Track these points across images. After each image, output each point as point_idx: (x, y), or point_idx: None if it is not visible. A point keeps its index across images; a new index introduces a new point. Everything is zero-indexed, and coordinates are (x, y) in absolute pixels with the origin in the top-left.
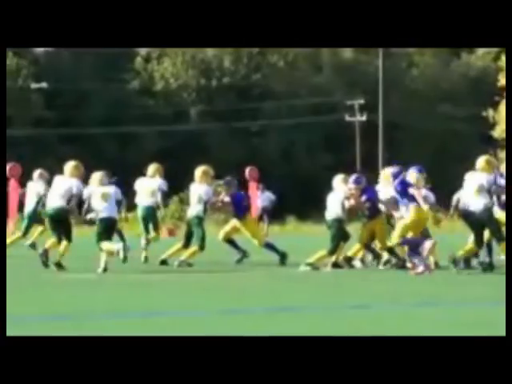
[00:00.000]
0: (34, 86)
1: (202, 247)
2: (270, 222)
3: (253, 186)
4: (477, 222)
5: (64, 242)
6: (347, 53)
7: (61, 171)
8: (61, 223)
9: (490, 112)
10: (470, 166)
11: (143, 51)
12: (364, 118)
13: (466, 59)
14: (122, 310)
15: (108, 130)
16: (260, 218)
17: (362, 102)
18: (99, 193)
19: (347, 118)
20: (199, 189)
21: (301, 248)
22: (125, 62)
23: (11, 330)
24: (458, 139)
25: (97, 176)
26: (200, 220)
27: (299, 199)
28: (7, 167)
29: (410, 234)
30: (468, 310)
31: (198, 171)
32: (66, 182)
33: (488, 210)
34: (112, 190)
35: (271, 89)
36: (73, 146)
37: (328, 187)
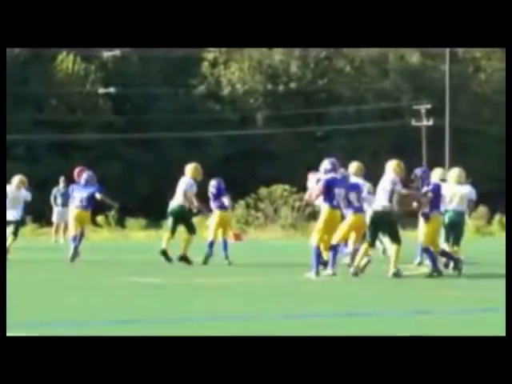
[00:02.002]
0: (101, 90)
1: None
2: None
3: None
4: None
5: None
6: (414, 57)
7: (127, 175)
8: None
9: None
10: None
11: (210, 56)
12: (430, 122)
13: None
14: (185, 313)
15: (174, 134)
16: None
17: (428, 106)
18: None
19: (413, 122)
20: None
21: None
22: (192, 67)
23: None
24: None
25: None
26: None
27: None
28: (75, 170)
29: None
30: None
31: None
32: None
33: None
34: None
35: (337, 94)
36: (140, 151)
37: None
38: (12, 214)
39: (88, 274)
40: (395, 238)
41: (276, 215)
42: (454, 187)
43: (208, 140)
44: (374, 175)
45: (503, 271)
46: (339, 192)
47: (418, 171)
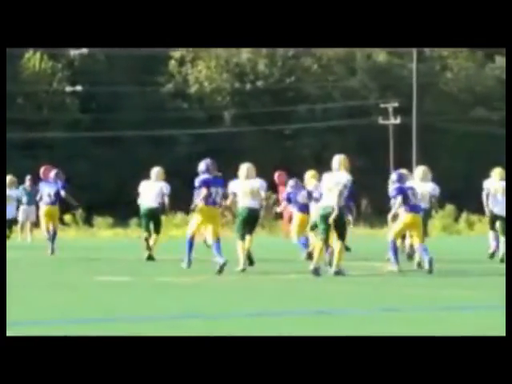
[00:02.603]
0: (68, 89)
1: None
2: None
3: (282, 190)
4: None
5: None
6: (381, 56)
7: (94, 174)
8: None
9: None
10: (505, 170)
11: (177, 54)
12: (398, 121)
13: (501, 62)
14: (152, 312)
15: (142, 133)
16: (289, 220)
17: (395, 105)
18: None
19: (381, 121)
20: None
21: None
22: (159, 65)
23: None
24: (492, 142)
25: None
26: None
27: None
28: (42, 169)
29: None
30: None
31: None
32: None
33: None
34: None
35: (305, 92)
36: (107, 149)
37: (361, 190)
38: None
39: (55, 272)
40: (342, 236)
41: None
42: (417, 186)
43: (175, 138)
44: None
45: (470, 269)
46: (216, 190)
47: (393, 176)
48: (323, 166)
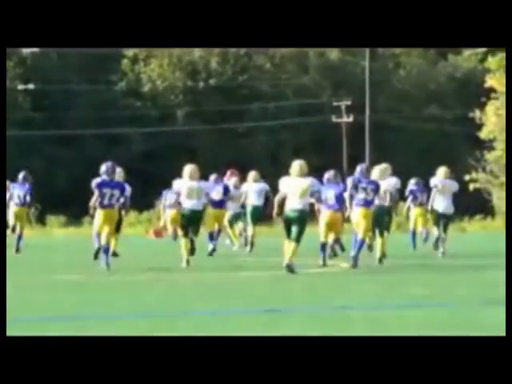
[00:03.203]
0: (20, 87)
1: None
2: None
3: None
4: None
5: None
6: (334, 54)
7: (47, 172)
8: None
9: (477, 113)
10: (458, 167)
11: (130, 52)
12: (351, 119)
13: (453, 60)
14: (113, 311)
15: (95, 131)
16: None
17: (348, 103)
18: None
19: (334, 119)
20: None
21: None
22: (112, 64)
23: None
24: (444, 140)
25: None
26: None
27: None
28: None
29: None
30: (454, 311)
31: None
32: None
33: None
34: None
35: (258, 90)
36: (60, 147)
37: None
38: None
39: (9, 272)
40: (299, 239)
41: None
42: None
43: (128, 136)
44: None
45: (423, 265)
46: (111, 192)
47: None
48: (277, 164)
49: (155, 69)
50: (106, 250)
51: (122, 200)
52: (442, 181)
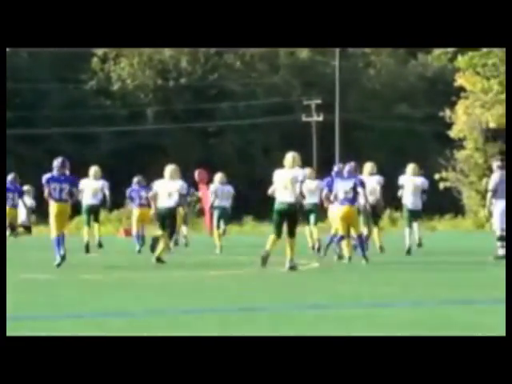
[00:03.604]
0: None
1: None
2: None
3: (203, 188)
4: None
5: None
6: (304, 53)
7: (17, 171)
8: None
9: (447, 112)
10: (428, 166)
11: (100, 51)
12: (321, 118)
13: (423, 59)
14: (82, 310)
15: (65, 130)
16: (211, 217)
17: (318, 102)
18: None
19: (304, 118)
20: None
21: (258, 248)
22: (81, 63)
23: None
24: (414, 139)
25: None
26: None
27: (257, 199)
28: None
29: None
30: (427, 310)
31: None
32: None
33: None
34: None
35: (228, 89)
36: (30, 146)
37: None
38: None
39: None
40: (293, 232)
41: None
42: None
43: (98, 135)
44: (264, 169)
45: (395, 264)
46: (60, 186)
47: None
48: (247, 163)
49: (125, 68)
50: (58, 243)
51: (74, 193)
52: (411, 178)
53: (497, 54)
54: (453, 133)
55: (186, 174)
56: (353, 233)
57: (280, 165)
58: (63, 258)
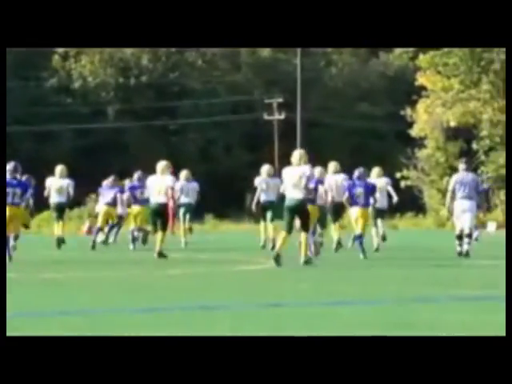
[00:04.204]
0: None
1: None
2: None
3: None
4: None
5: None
6: (265, 51)
7: None
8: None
9: (408, 111)
10: (389, 165)
11: (60, 49)
12: (282, 116)
13: (384, 58)
14: (37, 308)
15: (25, 128)
16: (174, 215)
17: (280, 100)
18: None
19: (266, 116)
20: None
21: (220, 246)
22: (42, 60)
23: None
24: (376, 138)
25: None
26: None
27: (218, 198)
28: None
29: None
30: (388, 309)
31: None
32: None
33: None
34: None
35: (189, 87)
36: None
37: (246, 185)
38: None
39: None
40: (306, 227)
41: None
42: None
43: (59, 133)
44: (226, 167)
45: (355, 262)
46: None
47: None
48: (208, 161)
49: (86, 65)
50: (7, 243)
51: (27, 197)
52: (376, 180)
53: (457, 54)
54: (414, 132)
55: (147, 172)
56: (357, 230)
57: (241, 163)
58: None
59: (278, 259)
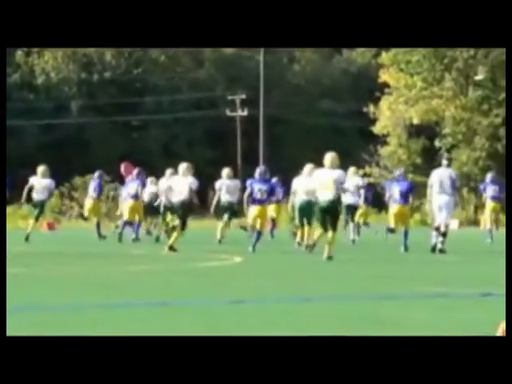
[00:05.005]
0: None
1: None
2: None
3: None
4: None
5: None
6: (229, 48)
7: None
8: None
9: (371, 108)
10: (351, 162)
11: None
12: (245, 113)
13: (347, 55)
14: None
15: None
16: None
17: (243, 96)
18: None
19: (228, 112)
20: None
21: (181, 242)
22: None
23: None
24: (339, 135)
25: None
26: None
27: None
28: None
29: None
30: (350, 305)
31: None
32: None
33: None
34: None
35: (152, 83)
36: None
37: (209, 181)
38: None
39: None
40: (335, 227)
41: None
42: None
43: (22, 129)
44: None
45: (319, 258)
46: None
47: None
48: (170, 158)
49: (49, 61)
50: None
51: None
52: (351, 178)
53: (420, 51)
54: (376, 129)
55: (110, 168)
56: (401, 228)
57: (203, 159)
58: None
59: (312, 248)
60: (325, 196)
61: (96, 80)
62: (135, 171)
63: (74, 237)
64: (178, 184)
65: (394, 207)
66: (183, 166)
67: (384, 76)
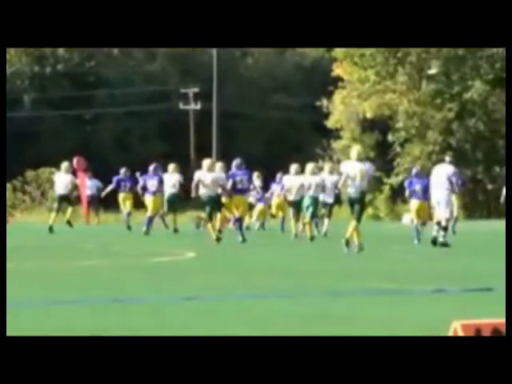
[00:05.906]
0: None
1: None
2: (104, 211)
3: (81, 176)
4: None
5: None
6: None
7: None
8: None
9: (324, 102)
10: (304, 156)
11: None
12: (198, 106)
13: (300, 49)
14: None
15: None
16: (88, 205)
17: (196, 90)
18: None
19: (181, 106)
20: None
21: (135, 237)
22: None
23: None
24: (292, 128)
25: None
26: None
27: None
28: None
29: None
30: (301, 302)
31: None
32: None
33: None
34: None
35: (105, 76)
36: None
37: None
38: None
39: None
40: (360, 218)
41: (43, 198)
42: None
43: None
44: (141, 158)
45: (278, 251)
46: None
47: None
48: (123, 151)
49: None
50: None
51: None
52: (310, 177)
53: None
54: (330, 123)
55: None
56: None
57: (156, 153)
58: None
59: (347, 244)
60: (353, 187)
61: (49, 73)
62: (151, 167)
63: (27, 230)
64: (207, 178)
65: (415, 203)
66: (208, 161)
67: (337, 70)
